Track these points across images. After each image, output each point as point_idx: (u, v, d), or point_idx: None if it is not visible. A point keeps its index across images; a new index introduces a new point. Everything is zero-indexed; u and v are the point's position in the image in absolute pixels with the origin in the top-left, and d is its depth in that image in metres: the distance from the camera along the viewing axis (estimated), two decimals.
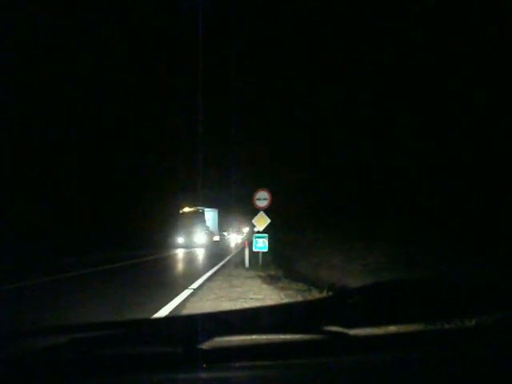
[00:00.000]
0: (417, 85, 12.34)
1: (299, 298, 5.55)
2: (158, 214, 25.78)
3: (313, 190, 20.26)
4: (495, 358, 0.92)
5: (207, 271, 9.18)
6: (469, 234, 8.86)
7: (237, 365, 0.91)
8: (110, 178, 22.38)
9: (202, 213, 25.35)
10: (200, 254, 17.26)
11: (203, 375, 0.89)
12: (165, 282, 7.61)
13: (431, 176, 11.52)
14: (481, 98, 10.23)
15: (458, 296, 1.06)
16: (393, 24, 12.99)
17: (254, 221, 10.89)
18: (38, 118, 17.23)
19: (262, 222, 10.70)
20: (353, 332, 0.97)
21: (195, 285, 6.82)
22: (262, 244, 10.28)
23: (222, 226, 38.56)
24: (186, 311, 4.69)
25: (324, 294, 5.73)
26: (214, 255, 15.95)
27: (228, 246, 26.43)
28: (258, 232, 10.66)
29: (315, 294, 5.74)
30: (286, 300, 5.43)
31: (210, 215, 28.53)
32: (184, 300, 5.34)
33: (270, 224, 10.84)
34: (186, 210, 24.80)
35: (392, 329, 1.23)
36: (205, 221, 25.25)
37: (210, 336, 0.93)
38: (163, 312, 4.56)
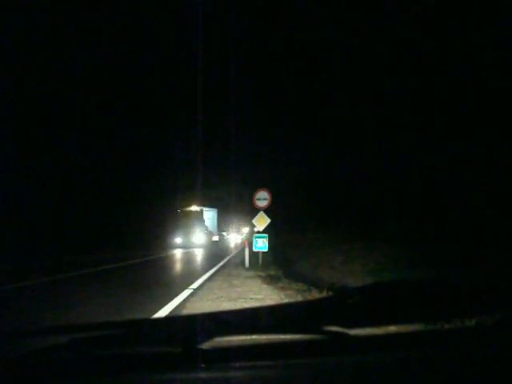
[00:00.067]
0: (416, 85, 12.34)
1: (299, 298, 5.55)
2: (158, 214, 25.73)
3: (313, 191, 20.25)
4: (495, 357, 0.92)
5: (207, 271, 9.18)
6: (469, 234, 8.87)
7: (237, 365, 0.91)
8: (110, 178, 22.37)
9: (201, 212, 25.01)
10: (200, 255, 17.26)
11: (203, 375, 0.89)
12: (165, 282, 7.62)
13: (431, 176, 11.53)
14: (480, 98, 10.23)
15: (458, 296, 1.06)
16: (392, 24, 12.99)
17: (254, 221, 10.90)
18: (37, 117, 17.23)
19: (261, 222, 10.71)
20: (353, 332, 0.97)
21: (195, 285, 6.82)
22: (261, 244, 10.28)
23: (222, 225, 38.41)
24: (185, 311, 4.69)
25: (324, 294, 5.73)
26: (214, 255, 15.95)
27: (227, 246, 26.38)
28: (258, 232, 10.66)
29: (315, 294, 5.74)
30: (286, 300, 5.43)
31: (209, 215, 28.17)
32: (184, 300, 5.34)
33: (269, 224, 10.85)
34: (185, 209, 24.45)
35: (392, 329, 1.23)
36: (203, 220, 24.93)
37: (210, 336, 0.93)
38: (163, 312, 4.55)
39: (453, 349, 0.97)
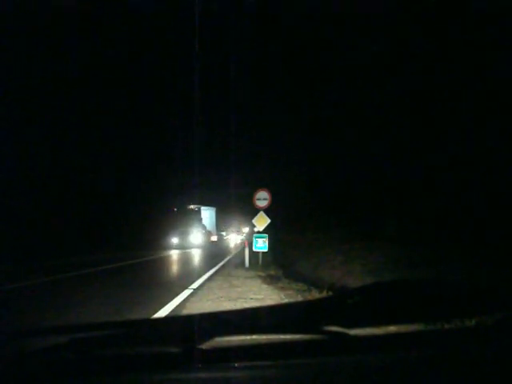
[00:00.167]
0: (417, 84, 12.35)
1: (299, 298, 5.55)
2: (158, 215, 25.68)
3: (313, 190, 20.25)
4: (495, 357, 0.92)
5: (207, 271, 9.18)
6: (469, 234, 8.87)
7: (236, 365, 0.91)
8: (110, 178, 22.39)
9: (198, 211, 23.89)
10: (200, 255, 17.26)
11: (203, 375, 0.89)
12: (165, 282, 7.62)
13: (431, 176, 11.53)
14: (479, 98, 10.24)
15: (458, 296, 1.06)
16: (392, 24, 13.00)
17: (254, 221, 10.90)
18: (37, 117, 17.25)
19: (261, 222, 10.71)
20: (353, 332, 0.97)
21: (195, 285, 6.82)
22: (261, 244, 10.28)
23: (221, 225, 37.97)
24: (185, 311, 4.69)
25: (324, 293, 5.73)
26: (214, 256, 15.95)
27: (227, 247, 26.31)
28: (258, 232, 10.67)
29: (315, 294, 5.74)
30: (285, 300, 5.43)
31: (207, 214, 26.62)
32: (184, 300, 5.34)
33: (269, 224, 10.85)
34: (181, 208, 23.39)
35: (392, 329, 1.23)
36: (201, 220, 23.87)
37: (210, 336, 0.93)
38: (163, 312, 4.55)
39: (453, 349, 0.97)
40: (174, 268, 11.80)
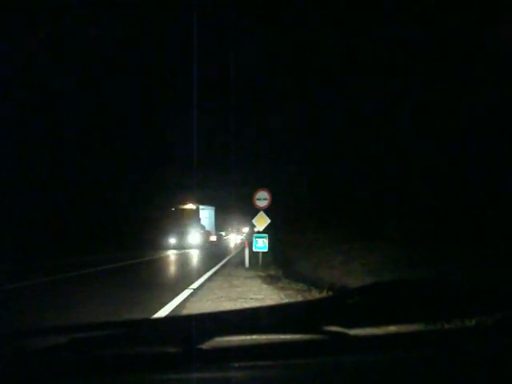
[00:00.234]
0: (416, 84, 12.35)
1: (299, 298, 5.55)
2: (158, 215, 25.65)
3: (313, 190, 20.25)
4: (495, 357, 0.92)
5: (207, 271, 9.18)
6: (469, 234, 8.86)
7: (236, 365, 0.91)
8: (110, 178, 22.39)
9: (197, 210, 23.25)
10: (200, 255, 17.26)
11: (203, 375, 0.89)
12: (164, 282, 7.62)
13: (431, 176, 11.53)
14: (480, 98, 10.24)
15: (458, 296, 1.06)
16: (392, 25, 13.00)
17: (253, 221, 10.90)
18: (37, 117, 17.25)
19: (261, 222, 10.71)
20: (353, 332, 0.97)
21: (195, 285, 6.82)
22: (261, 244, 10.28)
23: (220, 225, 37.71)
24: (185, 311, 4.69)
25: (324, 293, 5.73)
26: (214, 256, 15.95)
27: (227, 247, 26.25)
28: (258, 232, 10.66)
29: (315, 294, 5.74)
30: (286, 300, 5.43)
31: (206, 213, 26.05)
32: (184, 300, 5.34)
33: (269, 224, 10.84)
34: (179, 207, 22.77)
35: (392, 329, 1.23)
36: (199, 219, 23.31)
37: (210, 336, 0.93)
38: (163, 312, 4.55)
39: (453, 349, 0.97)
40: (175, 268, 11.80)
